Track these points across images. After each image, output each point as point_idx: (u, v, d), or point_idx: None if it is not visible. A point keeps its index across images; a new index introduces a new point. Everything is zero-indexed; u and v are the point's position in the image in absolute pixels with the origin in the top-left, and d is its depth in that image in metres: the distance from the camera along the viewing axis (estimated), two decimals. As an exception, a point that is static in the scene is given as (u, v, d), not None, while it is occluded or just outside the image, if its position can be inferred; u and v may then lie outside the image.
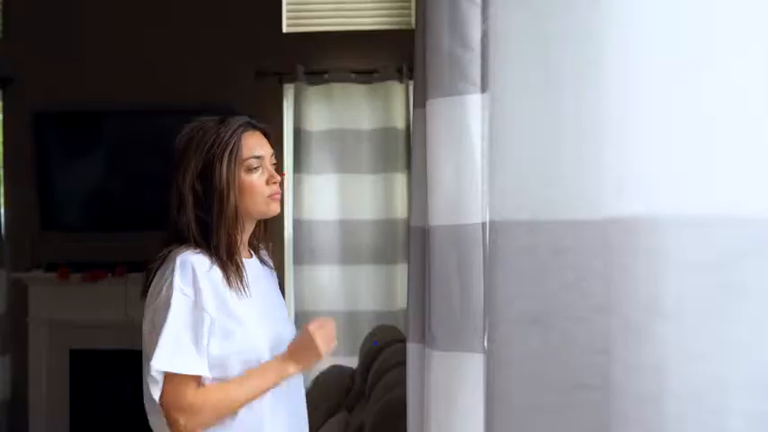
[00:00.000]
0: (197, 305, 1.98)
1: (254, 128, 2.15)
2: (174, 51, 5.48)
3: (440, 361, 2.09)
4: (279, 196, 2.13)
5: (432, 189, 2.10)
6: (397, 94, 5.30)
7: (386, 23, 5.47)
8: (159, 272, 2.05)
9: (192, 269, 1.99)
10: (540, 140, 0.94)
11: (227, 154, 2.07)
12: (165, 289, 2.00)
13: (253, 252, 2.19)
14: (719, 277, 0.67)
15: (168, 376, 1.98)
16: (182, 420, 1.99)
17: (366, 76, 5.35)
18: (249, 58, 5.43)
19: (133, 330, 5.29)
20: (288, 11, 5.57)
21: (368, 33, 5.46)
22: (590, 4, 0.83)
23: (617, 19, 0.79)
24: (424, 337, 2.18)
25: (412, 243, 2.27)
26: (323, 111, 5.34)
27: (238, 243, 2.06)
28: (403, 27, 5.31)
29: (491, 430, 1.02)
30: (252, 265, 2.14)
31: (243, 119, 2.16)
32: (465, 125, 2.02)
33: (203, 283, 1.98)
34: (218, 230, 2.04)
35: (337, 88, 5.36)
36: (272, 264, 2.26)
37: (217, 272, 2.01)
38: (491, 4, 1.02)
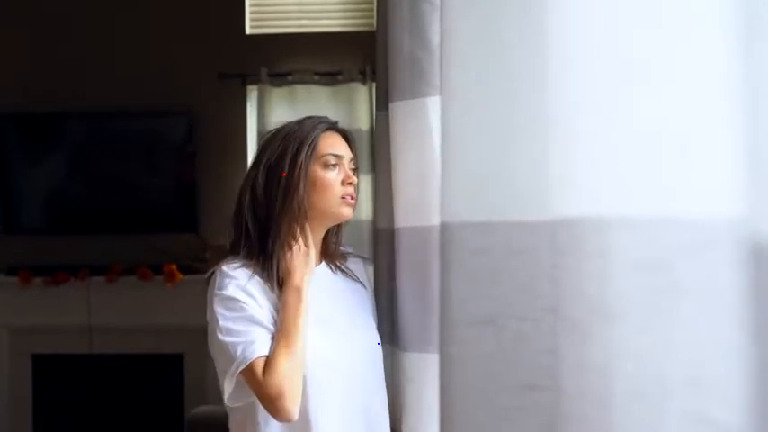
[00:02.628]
0: (245, 299, 1.96)
1: (335, 130, 2.12)
2: (135, 52, 5.45)
3: (410, 363, 2.10)
4: (353, 201, 2.08)
5: (397, 191, 2.10)
6: (361, 95, 5.30)
7: (349, 25, 5.47)
8: (208, 291, 2.02)
9: (232, 276, 1.98)
10: (491, 142, 0.94)
11: (304, 146, 2.03)
12: (210, 308, 1.99)
13: (329, 262, 2.14)
14: (661, 278, 0.68)
15: (249, 368, 1.92)
16: (278, 404, 1.90)
17: (330, 77, 5.35)
18: (212, 59, 5.41)
19: (96, 334, 5.29)
20: (251, 12, 5.55)
21: (331, 35, 5.46)
22: (537, 9, 0.83)
23: (561, 19, 0.80)
24: (393, 339, 2.18)
25: (378, 245, 2.27)
26: (287, 112, 5.32)
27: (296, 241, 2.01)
28: (366, 29, 5.31)
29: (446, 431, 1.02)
30: (319, 274, 2.08)
31: (325, 118, 2.13)
32: (427, 127, 2.03)
33: (248, 288, 1.97)
34: (280, 224, 2.00)
35: (301, 90, 5.36)
36: (359, 276, 2.18)
37: (257, 281, 1.99)
38: (446, 6, 1.02)
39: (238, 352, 1.91)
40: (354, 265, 2.20)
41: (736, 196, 0.61)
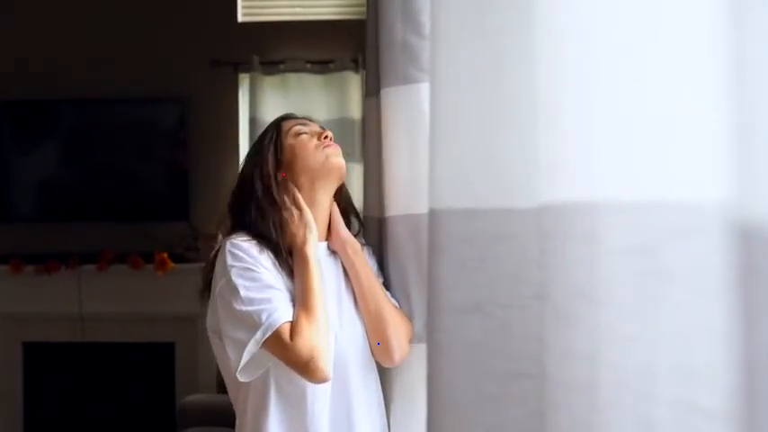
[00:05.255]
0: (259, 267, 1.96)
1: (295, 117, 2.17)
2: (128, 40, 5.42)
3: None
4: (332, 143, 2.09)
5: (389, 179, 2.08)
6: (353, 84, 5.28)
7: (342, 13, 5.45)
8: (216, 266, 2.02)
9: (243, 248, 1.98)
10: (478, 127, 0.93)
11: (268, 133, 2.11)
12: (223, 280, 1.97)
13: (331, 244, 2.14)
14: (648, 262, 0.67)
15: (274, 336, 1.91)
16: (311, 365, 1.90)
17: (322, 66, 5.33)
18: (204, 47, 5.39)
19: (87, 323, 5.28)
20: (243, 0, 5.53)
21: (324, 23, 5.44)
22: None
23: (550, 2, 0.79)
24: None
25: (367, 234, 2.25)
26: (278, 100, 5.31)
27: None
28: (359, 17, 5.28)
29: (432, 421, 1.01)
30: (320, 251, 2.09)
31: (284, 115, 2.21)
32: (421, 113, 2.01)
33: (260, 258, 1.98)
34: (272, 216, 2.02)
35: (293, 78, 5.34)
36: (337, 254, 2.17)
37: (268, 255, 1.99)
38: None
39: (263, 318, 1.90)
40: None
41: (724, 179, 0.60)
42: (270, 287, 1.95)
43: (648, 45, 0.69)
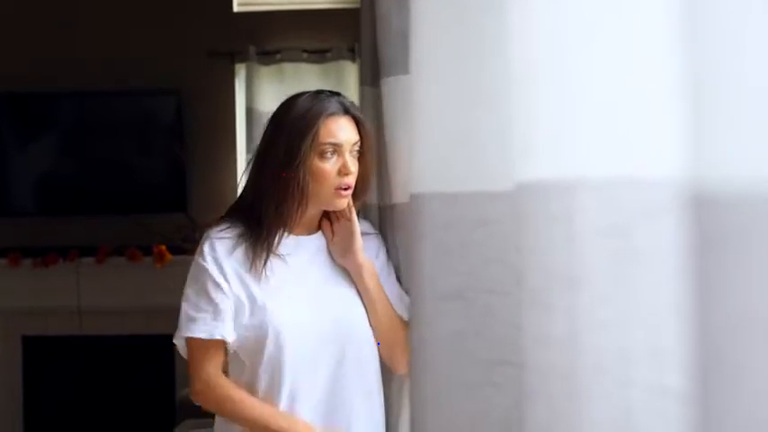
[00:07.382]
0: (215, 274, 2.02)
1: (346, 112, 2.08)
2: (125, 32, 5.40)
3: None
4: (346, 192, 2.05)
5: (392, 167, 2.09)
6: (350, 73, 5.26)
7: (338, 2, 5.42)
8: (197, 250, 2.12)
9: (214, 246, 2.03)
10: (457, 111, 0.91)
11: (306, 137, 2.01)
12: (191, 268, 2.08)
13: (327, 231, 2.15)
14: (622, 242, 0.65)
15: (189, 342, 2.06)
16: (196, 386, 2.07)
17: (319, 55, 5.31)
18: (200, 37, 5.36)
19: (86, 316, 5.27)
20: (239, -10, 5.50)
21: (320, 12, 5.41)
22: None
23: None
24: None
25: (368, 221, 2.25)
26: (275, 90, 5.28)
27: (291, 221, 2.05)
28: (355, 6, 5.25)
29: (416, 408, 1.00)
30: (309, 244, 2.11)
31: (336, 99, 2.08)
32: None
33: (224, 262, 2.03)
34: (269, 203, 2.02)
35: (289, 68, 5.31)
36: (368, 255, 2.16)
37: (239, 254, 2.03)
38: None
39: (182, 322, 2.05)
40: (366, 243, 2.16)
41: (688, 155, 0.58)
42: (209, 301, 2.02)
43: (618, 26, 0.67)
